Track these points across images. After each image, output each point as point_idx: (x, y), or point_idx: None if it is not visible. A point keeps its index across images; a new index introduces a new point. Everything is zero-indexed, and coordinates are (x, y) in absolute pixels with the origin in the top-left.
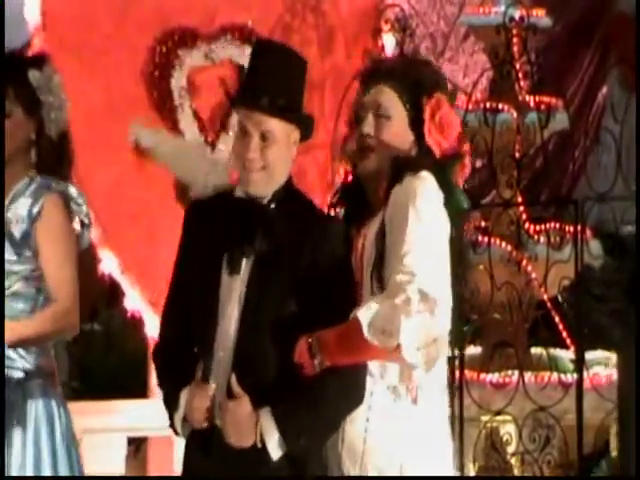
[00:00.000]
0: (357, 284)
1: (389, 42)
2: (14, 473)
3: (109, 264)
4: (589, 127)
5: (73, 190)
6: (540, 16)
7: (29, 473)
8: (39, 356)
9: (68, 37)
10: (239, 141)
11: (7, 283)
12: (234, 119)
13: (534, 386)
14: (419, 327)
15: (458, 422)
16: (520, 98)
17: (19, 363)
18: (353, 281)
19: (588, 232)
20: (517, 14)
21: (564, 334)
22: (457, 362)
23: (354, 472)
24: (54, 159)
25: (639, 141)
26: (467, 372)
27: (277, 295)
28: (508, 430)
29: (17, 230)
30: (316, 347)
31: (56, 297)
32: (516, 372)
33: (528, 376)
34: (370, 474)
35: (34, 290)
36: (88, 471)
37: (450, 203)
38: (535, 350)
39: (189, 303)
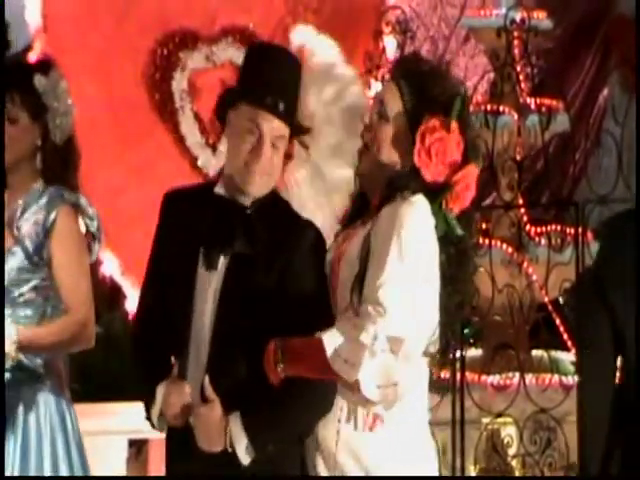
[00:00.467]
0: (330, 287)
1: (390, 44)
2: (32, 472)
3: (110, 266)
4: (590, 129)
5: (84, 202)
6: (541, 18)
7: (47, 471)
8: (50, 357)
9: (69, 39)
10: (244, 139)
11: (19, 290)
12: (236, 115)
13: (535, 388)
14: (381, 368)
15: (459, 424)
16: (521, 100)
17: (31, 363)
18: (327, 287)
19: (589, 234)
20: (518, 16)
21: (565, 336)
22: (458, 364)
23: (326, 473)
24: (59, 165)
25: (639, 143)
26: (468, 374)
27: (252, 294)
28: (509, 432)
29: (30, 242)
30: (280, 355)
31: (72, 308)
32: (517, 374)
33: (529, 378)
34: (341, 474)
35: (42, 299)
36: (90, 472)
37: (440, 228)
38: (536, 352)
39: (164, 292)
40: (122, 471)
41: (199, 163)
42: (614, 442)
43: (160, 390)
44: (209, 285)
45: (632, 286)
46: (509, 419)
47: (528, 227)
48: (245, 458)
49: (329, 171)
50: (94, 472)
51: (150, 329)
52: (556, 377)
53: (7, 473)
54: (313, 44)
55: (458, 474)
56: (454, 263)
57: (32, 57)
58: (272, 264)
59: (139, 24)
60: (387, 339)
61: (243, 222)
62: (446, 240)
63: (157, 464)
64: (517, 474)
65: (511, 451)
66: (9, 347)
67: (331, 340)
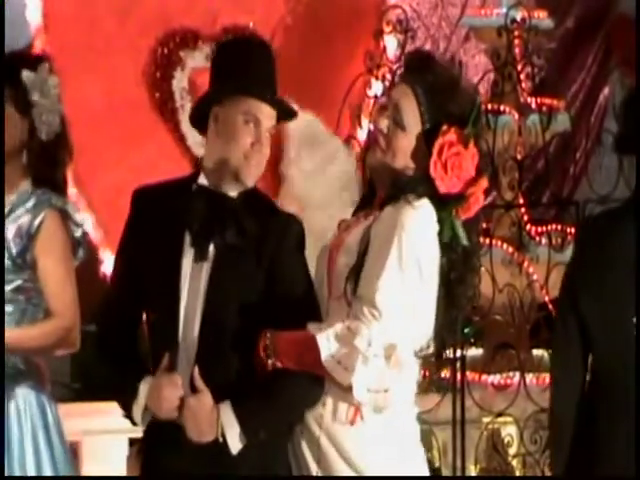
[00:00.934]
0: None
1: (391, 43)
2: (16, 468)
3: (111, 265)
4: (591, 129)
5: (72, 208)
6: (542, 18)
7: (29, 469)
8: (26, 358)
9: (70, 38)
10: (243, 131)
11: None
12: (225, 110)
13: (536, 387)
14: (373, 373)
15: (460, 424)
16: (522, 100)
17: (10, 359)
18: (311, 278)
19: None
20: (519, 16)
21: None
22: (458, 364)
23: (310, 455)
24: (46, 163)
25: (639, 143)
26: (468, 373)
27: (242, 286)
28: (509, 432)
29: (15, 244)
30: (271, 349)
31: (57, 314)
32: (518, 373)
33: (530, 377)
34: (326, 458)
35: (24, 298)
36: (90, 472)
37: (445, 235)
38: (537, 352)
39: (141, 290)
40: (122, 469)
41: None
42: (580, 441)
43: (144, 386)
44: (198, 277)
45: (604, 287)
46: (510, 419)
47: (529, 226)
48: (236, 446)
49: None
50: (95, 470)
51: (122, 330)
52: None
53: None
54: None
55: (459, 474)
56: (456, 267)
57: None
58: (260, 254)
59: (140, 23)
60: (381, 345)
61: (233, 213)
62: (450, 246)
63: None
64: (518, 474)
65: (512, 451)
66: None
67: (325, 341)
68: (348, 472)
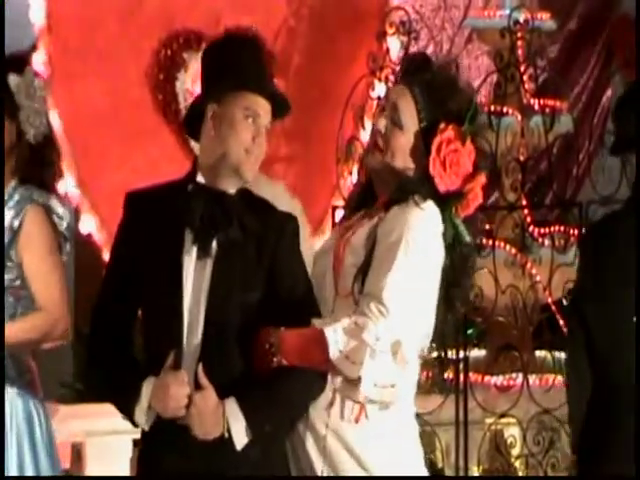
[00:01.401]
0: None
1: (394, 45)
2: None
3: None
4: (593, 130)
5: (55, 202)
6: (545, 19)
7: (12, 471)
8: (20, 357)
9: (73, 39)
10: (244, 127)
11: None
12: (222, 106)
13: (538, 389)
14: (381, 368)
15: (463, 425)
16: (524, 101)
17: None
18: (308, 273)
19: None
20: (522, 17)
21: None
22: (462, 365)
23: (316, 454)
24: (33, 164)
25: (639, 144)
26: (471, 375)
27: (245, 281)
28: (512, 433)
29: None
30: (276, 347)
31: (45, 308)
32: (520, 375)
33: (532, 379)
34: (332, 456)
35: (13, 299)
36: (94, 473)
37: (448, 235)
38: (540, 353)
39: (136, 291)
40: (126, 469)
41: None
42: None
43: (147, 386)
44: (202, 273)
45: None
46: (512, 420)
47: (531, 228)
48: (241, 441)
49: None
50: (99, 471)
51: (117, 332)
52: (560, 378)
53: None
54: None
55: (461, 474)
56: (457, 268)
57: (36, 57)
58: (261, 251)
59: (143, 25)
60: (388, 341)
61: (234, 209)
62: (451, 247)
63: None
64: (520, 475)
65: (514, 452)
66: None
67: (333, 335)
68: (354, 468)
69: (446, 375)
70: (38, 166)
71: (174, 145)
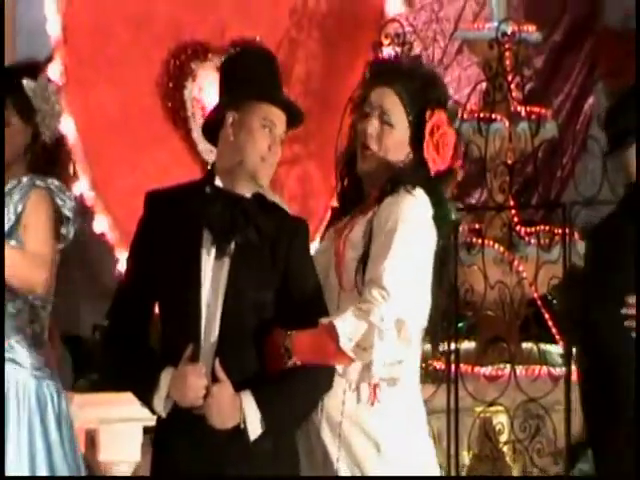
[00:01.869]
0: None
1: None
2: (10, 462)
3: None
4: (577, 135)
5: (57, 185)
6: (531, 32)
7: (23, 461)
8: (33, 349)
9: (87, 50)
10: (261, 135)
11: None
12: (241, 115)
13: (525, 379)
14: (389, 347)
15: (454, 412)
16: (512, 108)
17: (12, 354)
18: (316, 274)
19: (575, 234)
20: (509, 29)
21: (553, 330)
22: (453, 356)
23: (332, 441)
24: (46, 162)
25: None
26: (462, 366)
27: (260, 281)
28: (500, 420)
29: (7, 224)
30: (290, 349)
31: (34, 252)
32: (508, 365)
33: (519, 369)
34: (347, 443)
35: None
36: (107, 459)
37: (439, 217)
38: (526, 345)
39: (153, 288)
40: (137, 455)
41: (209, 167)
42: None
43: (166, 376)
44: (220, 272)
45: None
46: (500, 408)
47: (518, 227)
48: (255, 432)
49: None
50: (111, 457)
51: (136, 325)
52: (545, 368)
53: None
54: None
55: (453, 460)
56: (446, 247)
57: (52, 67)
58: (275, 253)
59: (153, 36)
60: (392, 320)
61: (250, 212)
62: (441, 227)
63: None
64: (508, 459)
65: (502, 438)
66: None
67: (341, 324)
68: (370, 451)
69: (438, 366)
70: (51, 165)
71: (182, 150)
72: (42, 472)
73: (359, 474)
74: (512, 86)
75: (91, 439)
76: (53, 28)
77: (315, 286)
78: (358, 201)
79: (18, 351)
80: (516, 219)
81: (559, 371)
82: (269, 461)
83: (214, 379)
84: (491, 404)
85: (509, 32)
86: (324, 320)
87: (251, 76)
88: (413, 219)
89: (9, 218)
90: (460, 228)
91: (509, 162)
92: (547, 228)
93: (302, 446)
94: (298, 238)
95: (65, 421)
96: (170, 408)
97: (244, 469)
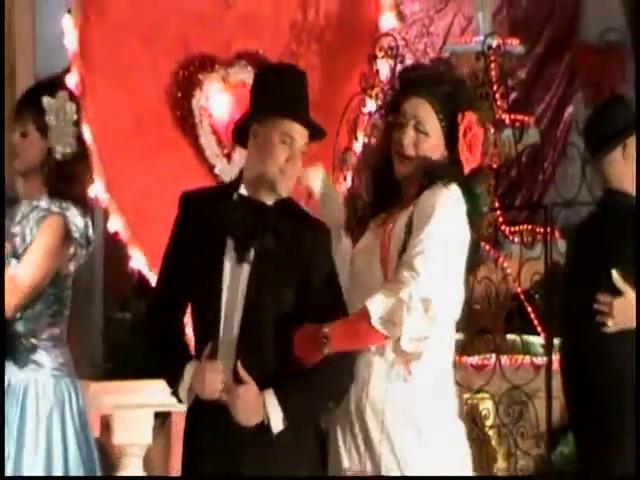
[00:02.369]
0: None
1: (383, 67)
2: (28, 454)
3: (138, 261)
4: (557, 142)
5: (73, 213)
6: (515, 45)
7: (40, 454)
8: (52, 350)
9: (102, 63)
10: (280, 149)
11: None
12: (264, 128)
13: (509, 367)
14: (416, 322)
15: None
16: (497, 116)
17: (28, 343)
18: (337, 276)
19: (556, 233)
20: (494, 43)
21: (535, 322)
22: None
23: (375, 427)
24: (60, 179)
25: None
26: None
27: (278, 286)
28: (486, 406)
29: (21, 247)
30: (328, 340)
31: (18, 277)
32: (494, 355)
33: (504, 359)
34: (388, 432)
35: (49, 298)
36: (121, 442)
37: (472, 212)
38: (510, 336)
39: (186, 285)
40: (148, 438)
41: (216, 171)
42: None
43: (189, 369)
44: (239, 277)
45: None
46: (486, 395)
47: (503, 227)
48: (278, 427)
49: None
50: (125, 440)
51: (168, 318)
52: (527, 358)
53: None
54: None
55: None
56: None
57: (69, 78)
58: (295, 258)
59: (163, 49)
60: (419, 298)
61: (270, 219)
62: (473, 220)
63: (179, 432)
64: (493, 443)
65: (488, 422)
66: None
67: (373, 305)
68: (409, 430)
69: None
70: (64, 181)
71: (190, 155)
72: (58, 464)
73: (400, 457)
74: (497, 95)
75: (106, 424)
76: (70, 42)
77: (335, 290)
78: (395, 198)
79: (39, 352)
80: (501, 219)
81: (540, 360)
82: (289, 449)
83: (236, 377)
84: (478, 391)
85: (494, 45)
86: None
87: (277, 92)
88: (447, 211)
89: (24, 240)
90: None
91: (494, 166)
92: (530, 227)
93: (341, 423)
94: (319, 243)
95: (81, 416)
96: (193, 398)
97: (265, 457)
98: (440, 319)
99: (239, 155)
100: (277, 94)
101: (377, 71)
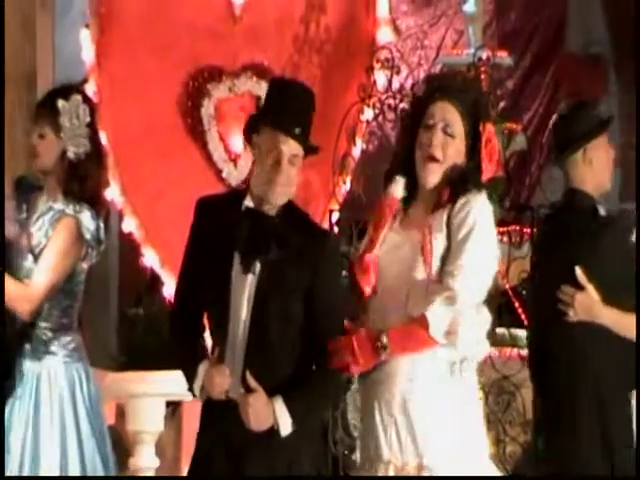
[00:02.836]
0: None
1: (380, 78)
2: (43, 436)
3: (151, 259)
4: (543, 147)
5: (86, 215)
6: (503, 57)
7: (55, 435)
8: (64, 338)
9: (118, 74)
10: (267, 157)
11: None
12: (260, 138)
13: (498, 359)
14: (471, 328)
15: None
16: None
17: (41, 334)
18: (342, 285)
19: None
20: (484, 55)
21: (522, 317)
22: None
23: (420, 421)
24: (72, 179)
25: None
26: None
27: (284, 295)
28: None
29: (37, 246)
30: (387, 344)
31: (31, 286)
32: None
33: (494, 351)
34: (433, 427)
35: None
36: (134, 428)
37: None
38: (499, 330)
39: (200, 289)
40: (160, 426)
41: (223, 175)
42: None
43: (202, 369)
44: (245, 287)
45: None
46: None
47: None
48: (286, 431)
49: None
50: (138, 427)
51: (186, 319)
52: (515, 350)
53: (18, 445)
54: None
55: None
56: None
57: (87, 88)
58: (301, 267)
59: (175, 62)
60: (473, 306)
61: (274, 230)
62: None
63: (189, 421)
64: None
65: None
66: None
67: (432, 316)
68: (454, 425)
69: None
70: (78, 180)
71: (199, 160)
72: (72, 444)
73: (443, 452)
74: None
75: (121, 411)
76: (88, 55)
77: (341, 297)
78: (410, 197)
79: (52, 343)
80: None
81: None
82: (293, 442)
83: (246, 385)
84: None
85: (484, 57)
86: (415, 312)
87: (276, 105)
88: (486, 216)
89: (40, 240)
90: None
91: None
92: (518, 228)
93: (379, 417)
94: (325, 252)
95: (92, 399)
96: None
97: (270, 450)
98: (472, 313)
99: (245, 160)
100: (275, 107)
101: (374, 81)
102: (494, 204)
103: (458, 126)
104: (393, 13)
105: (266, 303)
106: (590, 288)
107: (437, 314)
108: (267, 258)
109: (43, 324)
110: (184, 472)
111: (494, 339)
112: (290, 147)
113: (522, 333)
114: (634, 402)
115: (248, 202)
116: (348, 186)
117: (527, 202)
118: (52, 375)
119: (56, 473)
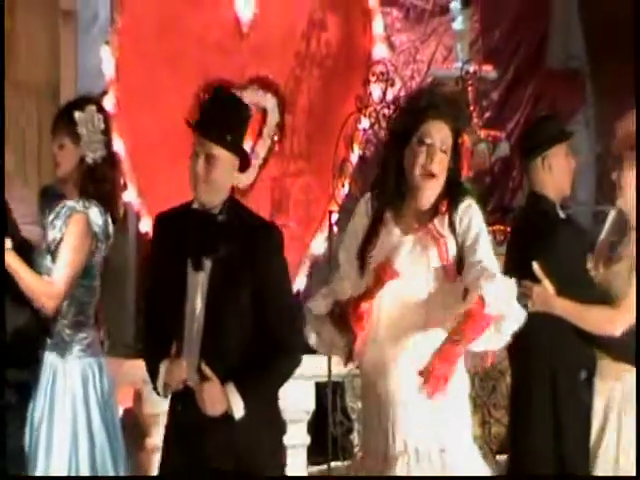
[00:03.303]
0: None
1: (375, 90)
2: (57, 422)
3: None
4: None
5: (94, 211)
6: (488, 71)
7: (67, 424)
8: (79, 335)
9: (135, 87)
10: (193, 160)
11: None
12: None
13: None
14: (517, 305)
15: None
16: (473, 132)
17: (61, 331)
18: (289, 277)
19: None
20: (471, 69)
21: None
22: None
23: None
24: (90, 181)
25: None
26: None
27: (234, 288)
28: None
29: (53, 243)
30: (462, 340)
31: (53, 282)
32: None
33: None
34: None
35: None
36: (150, 411)
37: None
38: None
39: (162, 295)
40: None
41: None
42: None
43: (163, 366)
44: (198, 284)
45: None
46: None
47: None
48: (239, 414)
49: None
50: (152, 410)
51: (153, 322)
52: None
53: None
54: None
55: None
56: None
57: (107, 100)
58: (249, 260)
59: (187, 75)
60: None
61: (218, 229)
62: None
63: None
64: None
65: None
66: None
67: (487, 297)
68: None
69: None
70: (95, 182)
71: None
72: (83, 438)
73: (434, 441)
74: (473, 114)
75: (138, 396)
76: (108, 69)
77: (287, 289)
78: (397, 199)
79: (67, 339)
80: None
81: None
82: (250, 426)
83: (201, 374)
84: None
85: (471, 71)
86: (471, 297)
87: (205, 112)
88: (482, 218)
89: (54, 237)
90: None
91: (471, 175)
92: (501, 228)
93: (371, 405)
94: (270, 244)
95: (105, 393)
96: (169, 391)
97: (228, 433)
98: None
99: (252, 166)
100: (204, 113)
101: (370, 93)
102: (479, 204)
103: (449, 142)
104: (388, 30)
105: (218, 298)
106: (546, 282)
107: (490, 289)
108: (216, 255)
109: (62, 321)
110: None
111: None
112: (205, 148)
113: None
114: (599, 402)
115: (194, 205)
116: (347, 189)
117: (510, 204)
118: (67, 369)
119: (66, 465)
